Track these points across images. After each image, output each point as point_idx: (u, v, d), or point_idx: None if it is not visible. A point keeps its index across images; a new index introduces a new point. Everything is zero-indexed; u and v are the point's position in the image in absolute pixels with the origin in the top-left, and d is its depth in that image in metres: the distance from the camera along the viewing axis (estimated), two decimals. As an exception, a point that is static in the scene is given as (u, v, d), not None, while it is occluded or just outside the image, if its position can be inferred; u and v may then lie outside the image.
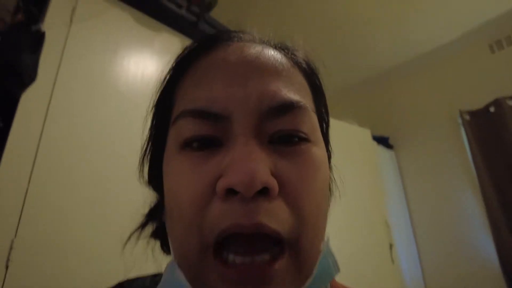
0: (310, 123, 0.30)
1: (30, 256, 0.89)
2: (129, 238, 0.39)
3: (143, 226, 0.39)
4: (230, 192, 0.25)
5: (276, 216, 0.25)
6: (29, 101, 1.01)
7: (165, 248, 0.39)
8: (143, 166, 0.37)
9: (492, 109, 2.32)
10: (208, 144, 0.28)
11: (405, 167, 2.69)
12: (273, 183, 0.25)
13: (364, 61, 2.71)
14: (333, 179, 0.38)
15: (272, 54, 0.32)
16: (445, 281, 2.31)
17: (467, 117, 2.39)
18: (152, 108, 0.37)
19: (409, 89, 2.79)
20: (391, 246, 2.20)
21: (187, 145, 0.29)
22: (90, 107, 1.15)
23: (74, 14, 1.21)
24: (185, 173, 0.28)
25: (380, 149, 2.60)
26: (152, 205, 0.38)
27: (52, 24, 1.14)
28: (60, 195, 1.00)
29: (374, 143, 2.49)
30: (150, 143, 0.37)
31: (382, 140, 2.67)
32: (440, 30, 2.42)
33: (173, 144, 0.30)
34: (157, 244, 0.40)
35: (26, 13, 1.13)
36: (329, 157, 0.36)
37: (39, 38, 1.07)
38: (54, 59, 1.11)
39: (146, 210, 0.39)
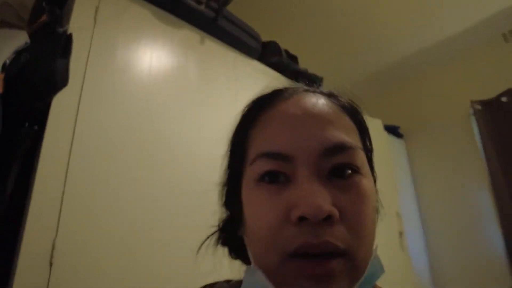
0: (359, 159, 0.37)
1: (72, 255, 0.94)
2: (201, 245, 0.47)
3: (219, 236, 0.47)
4: (302, 219, 0.32)
5: (337, 236, 0.32)
6: (60, 103, 1.04)
7: (233, 254, 0.47)
8: (223, 193, 0.46)
9: (504, 99, 2.33)
10: (277, 178, 0.36)
11: (415, 157, 2.72)
12: (334, 212, 0.32)
13: (376, 52, 2.70)
14: (379, 201, 0.44)
15: (323, 102, 0.39)
16: (452, 270, 2.37)
17: (479, 107, 2.40)
18: (229, 151, 0.45)
19: (421, 79, 2.79)
20: (400, 234, 2.25)
21: (261, 179, 0.36)
22: (118, 105, 1.18)
23: (97, 14, 1.22)
24: (263, 204, 0.35)
25: (391, 138, 2.63)
26: (223, 220, 0.47)
27: (77, 25, 1.16)
28: (96, 195, 1.04)
29: (385, 133, 2.52)
30: (228, 177, 0.45)
31: (393, 129, 2.69)
32: (453, 20, 2.40)
33: (251, 179, 0.37)
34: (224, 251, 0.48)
35: (50, 14, 1.15)
36: (375, 181, 0.43)
37: (67, 40, 1.09)
38: (81, 60, 1.13)
39: (214, 222, 0.47)
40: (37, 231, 0.91)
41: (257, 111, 0.41)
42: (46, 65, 0.94)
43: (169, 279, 1.10)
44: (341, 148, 0.36)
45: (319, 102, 0.39)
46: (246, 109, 0.45)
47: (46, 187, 0.96)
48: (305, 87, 0.43)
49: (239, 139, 0.43)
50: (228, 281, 0.48)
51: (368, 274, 0.35)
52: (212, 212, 0.47)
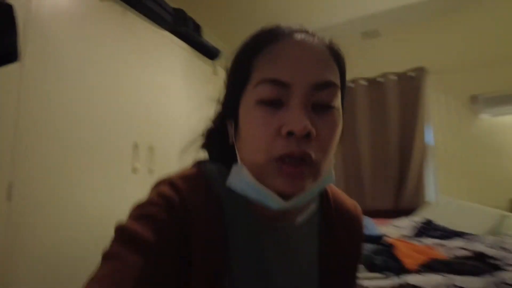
0: (337, 97, 0.47)
1: (28, 190, 1.27)
2: (188, 147, 0.58)
3: (206, 138, 0.58)
4: (290, 134, 0.43)
5: (312, 149, 0.44)
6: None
7: (212, 156, 0.58)
8: (226, 103, 0.55)
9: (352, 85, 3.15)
10: (273, 103, 0.45)
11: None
12: (313, 131, 0.43)
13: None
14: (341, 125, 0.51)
15: (318, 45, 0.48)
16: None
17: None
18: (231, 73, 0.53)
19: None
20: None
21: (261, 101, 0.46)
22: (59, 71, 1.42)
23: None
24: (261, 121, 0.45)
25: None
26: (208, 130, 0.58)
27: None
28: (44, 137, 1.33)
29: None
30: (228, 94, 0.54)
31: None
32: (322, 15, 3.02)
33: (252, 99, 0.46)
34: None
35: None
36: (342, 114, 0.51)
37: (7, 12, 1.24)
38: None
39: (198, 131, 0.58)
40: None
41: (262, 43, 0.48)
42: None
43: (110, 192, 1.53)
44: (327, 85, 0.46)
45: (315, 44, 0.48)
46: (250, 40, 0.51)
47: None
48: (305, 29, 0.50)
49: (243, 64, 0.50)
50: (206, 162, 0.57)
51: (324, 179, 0.47)
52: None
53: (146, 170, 1.83)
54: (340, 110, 0.49)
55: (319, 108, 0.46)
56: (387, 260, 1.38)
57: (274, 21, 0.52)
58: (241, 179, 0.47)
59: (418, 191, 3.04)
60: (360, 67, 3.18)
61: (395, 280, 1.22)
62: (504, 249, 1.56)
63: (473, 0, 2.97)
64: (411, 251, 1.43)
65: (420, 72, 3.10)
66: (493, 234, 2.22)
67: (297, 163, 0.43)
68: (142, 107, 1.86)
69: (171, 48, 2.19)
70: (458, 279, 1.16)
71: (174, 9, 2.26)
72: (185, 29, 2.36)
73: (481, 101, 2.93)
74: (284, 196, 0.45)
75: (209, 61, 2.61)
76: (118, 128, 1.69)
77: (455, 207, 2.58)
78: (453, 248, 1.56)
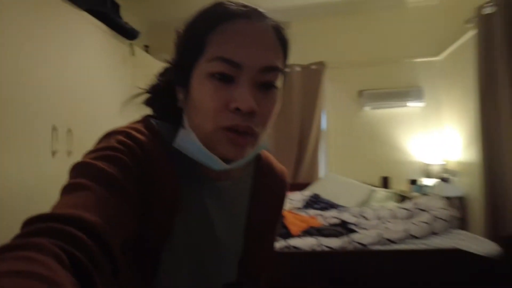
0: (279, 78, 0.53)
1: None
2: (129, 101, 0.61)
3: (152, 95, 0.61)
4: (237, 110, 0.49)
5: (254, 124, 0.50)
6: None
7: (157, 115, 0.60)
8: (177, 70, 0.57)
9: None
10: (224, 78, 0.49)
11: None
12: (257, 109, 0.49)
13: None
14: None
15: (269, 30, 0.53)
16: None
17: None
18: (185, 41, 0.55)
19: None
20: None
21: (213, 75, 0.49)
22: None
23: None
24: (212, 94, 0.49)
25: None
26: (154, 86, 0.61)
27: None
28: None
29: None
30: (181, 61, 0.56)
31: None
32: None
33: (205, 72, 0.50)
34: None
35: None
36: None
37: None
38: None
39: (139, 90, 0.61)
40: None
41: (217, 19, 0.51)
42: None
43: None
44: (274, 69, 0.51)
45: (266, 28, 0.52)
46: (205, 13, 0.54)
47: None
48: (258, 9, 0.54)
49: (197, 37, 0.52)
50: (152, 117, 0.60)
51: (260, 146, 0.55)
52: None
53: (65, 153, 1.88)
54: (279, 90, 0.54)
55: (263, 88, 0.51)
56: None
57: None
58: (189, 142, 0.53)
59: (312, 168, 3.60)
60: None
61: (282, 243, 1.60)
62: (364, 217, 2.09)
63: (367, 6, 3.51)
64: (297, 221, 1.84)
65: (320, 66, 3.58)
66: (363, 205, 2.84)
67: (241, 134, 0.50)
68: (59, 90, 1.88)
69: (88, 29, 2.19)
70: (324, 241, 1.59)
71: (92, -14, 2.23)
72: (102, 8, 2.35)
73: (365, 95, 3.54)
74: (226, 160, 0.52)
75: (127, 41, 2.64)
76: (36, 111, 1.71)
77: (339, 182, 3.17)
78: (328, 217, 2.04)
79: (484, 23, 2.41)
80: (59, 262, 0.30)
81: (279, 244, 1.60)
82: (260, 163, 0.69)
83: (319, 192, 2.92)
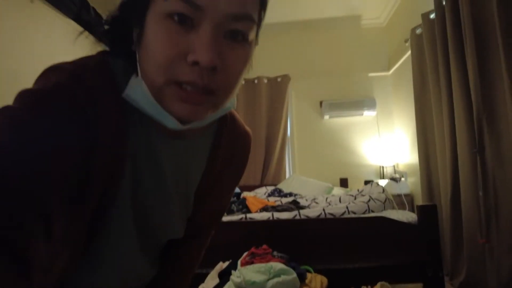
0: (252, 30, 0.45)
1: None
2: (80, 33, 0.54)
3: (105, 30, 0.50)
4: (195, 63, 0.41)
5: (215, 82, 0.43)
6: None
7: (114, 53, 0.50)
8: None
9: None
10: (185, 21, 0.41)
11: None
12: (219, 65, 0.42)
13: None
14: (251, 62, 0.50)
15: None
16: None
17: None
18: None
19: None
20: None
21: (171, 16, 0.41)
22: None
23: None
24: (167, 38, 0.42)
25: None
26: (113, 18, 0.49)
27: None
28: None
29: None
30: None
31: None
32: None
33: (161, 12, 0.42)
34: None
35: None
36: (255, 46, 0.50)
37: None
38: None
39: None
40: None
41: None
42: None
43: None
44: (244, 18, 0.43)
45: None
46: None
47: None
48: None
49: None
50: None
51: (224, 108, 0.49)
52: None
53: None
54: (252, 46, 0.47)
55: (231, 39, 0.44)
56: (241, 206, 2.06)
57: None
58: (139, 94, 0.45)
59: (279, 170, 3.92)
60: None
61: (242, 216, 1.89)
62: (315, 202, 2.41)
63: (328, 24, 3.96)
64: (256, 201, 2.14)
65: (285, 78, 3.97)
66: (321, 199, 3.17)
67: (200, 92, 0.43)
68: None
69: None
70: (277, 214, 1.89)
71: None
72: (88, 17, 2.63)
73: (325, 105, 3.94)
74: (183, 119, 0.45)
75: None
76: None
77: (301, 181, 3.49)
78: (284, 200, 2.35)
79: (416, 42, 2.87)
80: None
81: (238, 217, 1.89)
82: (224, 121, 0.62)
83: (283, 188, 3.23)
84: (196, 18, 0.41)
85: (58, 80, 0.42)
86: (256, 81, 3.98)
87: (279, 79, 3.98)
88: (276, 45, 3.99)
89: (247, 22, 0.44)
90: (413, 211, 3.18)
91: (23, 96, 0.40)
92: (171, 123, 0.45)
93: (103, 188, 0.46)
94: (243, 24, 0.44)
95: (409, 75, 3.14)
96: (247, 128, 0.69)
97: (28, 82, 0.45)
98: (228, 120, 0.63)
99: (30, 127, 0.37)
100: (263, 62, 4.14)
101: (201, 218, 0.67)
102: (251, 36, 0.46)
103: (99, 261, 0.53)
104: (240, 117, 0.68)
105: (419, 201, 3.22)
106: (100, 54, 0.50)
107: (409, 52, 3.21)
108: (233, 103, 0.52)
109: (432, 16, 2.57)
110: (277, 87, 3.98)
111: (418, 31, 2.84)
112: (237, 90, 0.48)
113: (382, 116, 3.91)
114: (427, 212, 1.74)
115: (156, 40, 0.43)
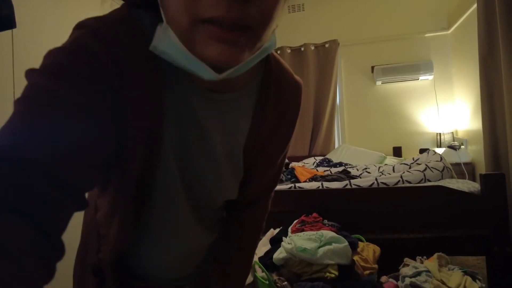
0: None
1: None
2: None
3: None
4: None
5: (248, 14, 0.35)
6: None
7: (142, 2, 0.44)
8: None
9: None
10: None
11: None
12: None
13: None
14: None
15: None
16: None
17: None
18: None
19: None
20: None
21: None
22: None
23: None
24: None
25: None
26: None
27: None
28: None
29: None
30: None
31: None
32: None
33: None
34: None
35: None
36: None
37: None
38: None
39: None
40: None
41: None
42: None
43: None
44: None
45: None
46: None
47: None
48: None
49: None
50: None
51: (264, 48, 0.41)
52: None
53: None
54: None
55: None
56: (290, 176, 2.06)
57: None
58: (167, 43, 0.39)
59: (328, 140, 3.84)
60: (286, 37, 3.78)
61: (291, 185, 1.89)
62: (367, 172, 2.34)
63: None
64: (304, 171, 2.12)
65: (333, 44, 3.78)
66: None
67: (231, 28, 0.35)
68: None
69: None
70: (327, 184, 1.86)
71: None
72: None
73: (377, 70, 3.72)
74: (218, 67, 0.38)
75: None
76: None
77: (351, 151, 3.40)
78: (334, 170, 2.30)
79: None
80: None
81: (287, 186, 1.89)
82: (269, 70, 0.54)
83: (332, 158, 3.17)
84: None
85: (79, 40, 0.38)
86: (302, 49, 3.85)
87: (327, 45, 3.81)
88: (323, 9, 3.80)
89: None
90: (474, 180, 2.98)
91: (46, 60, 0.37)
92: (206, 73, 0.39)
93: (146, 155, 0.44)
94: None
95: (473, 33, 2.83)
96: (297, 77, 0.60)
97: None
98: (273, 69, 0.54)
99: (53, 99, 0.34)
100: (309, 28, 4.00)
101: (256, 183, 0.61)
102: None
103: (153, 232, 0.52)
104: (286, 64, 0.59)
105: (482, 170, 2.99)
106: (126, 5, 0.44)
107: (474, 6, 2.88)
108: (274, 42, 0.44)
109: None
110: (325, 54, 3.81)
111: (486, -19, 2.52)
112: (275, 24, 0.40)
113: (440, 80, 3.61)
114: (494, 181, 1.61)
115: None
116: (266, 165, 0.61)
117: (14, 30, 1.63)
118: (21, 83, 1.77)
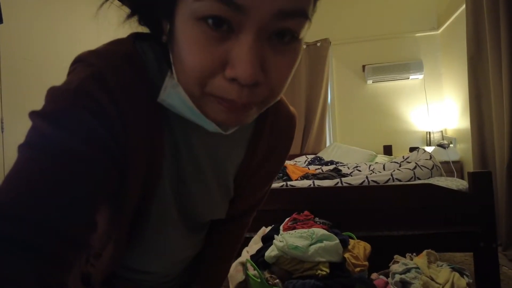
0: (303, 27, 0.36)
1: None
2: (103, 3, 0.42)
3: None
4: (233, 79, 0.35)
5: (257, 96, 0.37)
6: None
7: (151, 39, 0.44)
8: None
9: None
10: (219, 25, 0.33)
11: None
12: (261, 80, 0.35)
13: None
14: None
15: None
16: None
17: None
18: None
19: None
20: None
21: (204, 20, 0.33)
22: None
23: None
24: (201, 46, 0.34)
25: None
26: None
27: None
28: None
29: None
30: None
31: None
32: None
33: (192, 15, 0.34)
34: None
35: None
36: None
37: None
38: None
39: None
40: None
41: None
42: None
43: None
44: (296, 14, 0.34)
45: None
46: None
47: None
48: None
49: None
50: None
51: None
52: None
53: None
54: (302, 43, 0.39)
55: (278, 40, 0.36)
56: (281, 174, 2.07)
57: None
58: (177, 99, 0.40)
59: (319, 139, 3.86)
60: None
61: (283, 183, 1.90)
62: (358, 170, 2.36)
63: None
64: (296, 170, 2.13)
65: (325, 43, 3.80)
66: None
67: (241, 107, 0.37)
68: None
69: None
70: (318, 182, 1.87)
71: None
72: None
73: (368, 69, 3.75)
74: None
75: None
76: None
77: (342, 149, 3.42)
78: (325, 169, 2.32)
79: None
80: None
81: (279, 184, 1.90)
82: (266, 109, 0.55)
83: (323, 156, 3.19)
84: (235, 21, 0.33)
85: (80, 81, 0.37)
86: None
87: (318, 44, 3.83)
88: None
89: (299, 19, 0.35)
90: (462, 178, 3.03)
91: (49, 102, 0.37)
92: (213, 128, 0.41)
93: (144, 189, 0.45)
94: (294, 22, 0.35)
95: (462, 33, 2.88)
96: (292, 109, 0.60)
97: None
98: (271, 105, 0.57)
99: (56, 136, 0.35)
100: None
101: (243, 203, 0.64)
102: (302, 33, 0.37)
103: (144, 247, 0.54)
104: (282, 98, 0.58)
105: (470, 168, 3.04)
106: (131, 38, 0.44)
107: (463, 7, 2.92)
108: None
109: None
110: (317, 52, 3.83)
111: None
112: (283, 93, 0.41)
113: (429, 79, 3.66)
114: (481, 180, 1.63)
115: (187, 47, 0.36)
116: (254, 189, 0.64)
117: (0, 25, 1.61)
118: (8, 78, 1.70)
